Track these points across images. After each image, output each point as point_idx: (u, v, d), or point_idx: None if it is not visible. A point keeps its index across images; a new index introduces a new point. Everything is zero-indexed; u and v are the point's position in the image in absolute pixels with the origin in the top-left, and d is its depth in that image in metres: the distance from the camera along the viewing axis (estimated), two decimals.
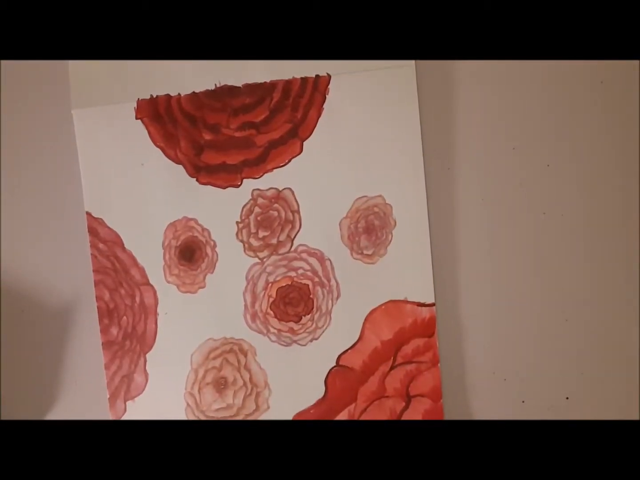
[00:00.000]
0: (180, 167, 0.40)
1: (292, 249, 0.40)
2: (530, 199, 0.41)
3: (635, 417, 0.39)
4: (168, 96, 0.40)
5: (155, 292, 0.40)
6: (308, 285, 0.40)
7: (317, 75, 0.40)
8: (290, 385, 0.40)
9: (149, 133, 0.40)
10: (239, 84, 0.40)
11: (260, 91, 0.40)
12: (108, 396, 0.40)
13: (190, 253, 0.40)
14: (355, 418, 0.40)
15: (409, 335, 0.40)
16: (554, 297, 0.41)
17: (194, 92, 0.40)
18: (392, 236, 0.40)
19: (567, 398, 0.40)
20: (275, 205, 0.40)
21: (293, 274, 0.40)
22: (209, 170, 0.40)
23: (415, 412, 0.40)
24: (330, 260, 0.40)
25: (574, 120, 0.41)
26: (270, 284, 0.40)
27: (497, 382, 0.40)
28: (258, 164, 0.40)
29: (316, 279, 0.40)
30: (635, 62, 0.41)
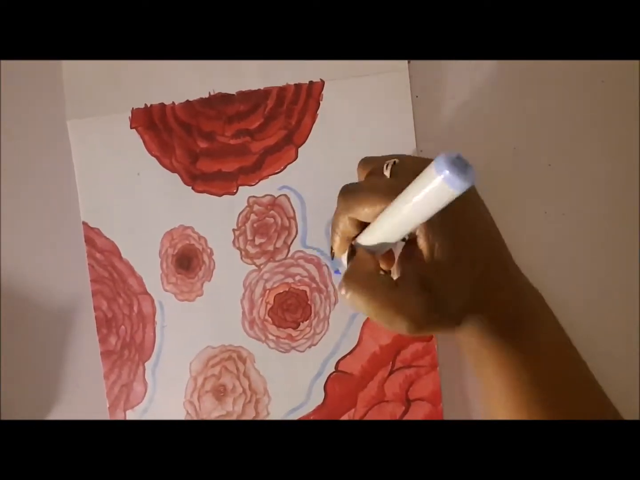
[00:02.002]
0: (176, 175, 0.41)
1: (289, 255, 0.41)
2: (531, 199, 0.42)
3: (635, 417, 0.40)
4: (162, 105, 0.41)
5: (153, 301, 0.41)
6: (305, 291, 0.41)
7: (310, 82, 0.41)
8: (289, 391, 0.41)
9: (144, 142, 0.41)
10: (233, 92, 0.41)
11: (254, 98, 0.41)
12: (108, 405, 0.41)
13: (187, 261, 0.41)
14: None
15: (408, 339, 0.41)
16: (555, 297, 0.41)
17: (188, 100, 0.41)
18: None
19: None
20: (272, 212, 0.41)
21: (290, 280, 0.41)
22: (204, 178, 0.41)
23: (415, 416, 0.40)
24: (327, 266, 0.41)
25: (574, 120, 0.42)
26: (267, 291, 0.41)
27: None
28: (254, 171, 0.41)
29: (313, 285, 0.41)
30: (635, 62, 0.42)
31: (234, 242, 0.41)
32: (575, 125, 0.42)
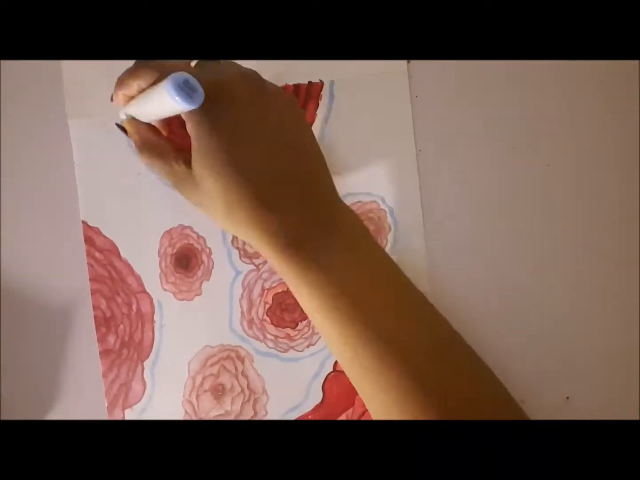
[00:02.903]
0: None
1: None
2: (531, 199, 0.42)
3: (635, 417, 0.40)
4: None
5: (151, 300, 0.42)
6: None
7: (309, 82, 0.42)
8: (287, 391, 0.41)
9: None
10: None
11: None
12: (106, 404, 0.41)
13: (186, 260, 0.42)
14: None
15: None
16: (554, 297, 0.42)
17: None
18: (387, 241, 0.42)
19: (568, 398, 0.41)
20: None
21: None
22: None
23: None
24: None
25: (574, 120, 0.42)
26: (266, 291, 0.42)
27: None
28: None
29: None
30: (635, 62, 0.42)
31: (232, 241, 0.42)
32: (574, 125, 0.42)
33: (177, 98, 0.28)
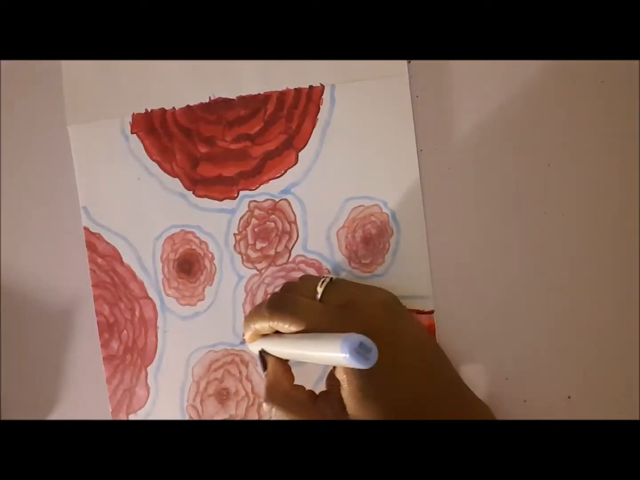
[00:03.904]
0: (177, 180, 0.43)
1: (290, 259, 0.43)
2: (530, 199, 0.43)
3: (635, 417, 0.41)
4: (163, 110, 0.43)
5: (154, 306, 0.43)
6: None
7: (310, 86, 0.43)
8: None
9: (145, 147, 0.43)
10: (233, 97, 0.43)
11: (254, 103, 0.43)
12: (110, 410, 0.43)
13: (188, 266, 0.43)
14: None
15: None
16: (555, 297, 0.42)
17: (188, 105, 0.43)
18: (389, 244, 0.42)
19: (569, 397, 0.42)
20: (272, 216, 0.43)
21: None
22: (205, 182, 0.43)
23: None
24: (328, 270, 0.43)
25: (574, 120, 0.43)
26: (269, 295, 0.43)
27: (498, 382, 0.42)
28: (254, 176, 0.43)
29: None
30: (635, 62, 0.42)
31: (235, 246, 0.43)
32: (575, 125, 0.43)
33: (354, 362, 0.29)
